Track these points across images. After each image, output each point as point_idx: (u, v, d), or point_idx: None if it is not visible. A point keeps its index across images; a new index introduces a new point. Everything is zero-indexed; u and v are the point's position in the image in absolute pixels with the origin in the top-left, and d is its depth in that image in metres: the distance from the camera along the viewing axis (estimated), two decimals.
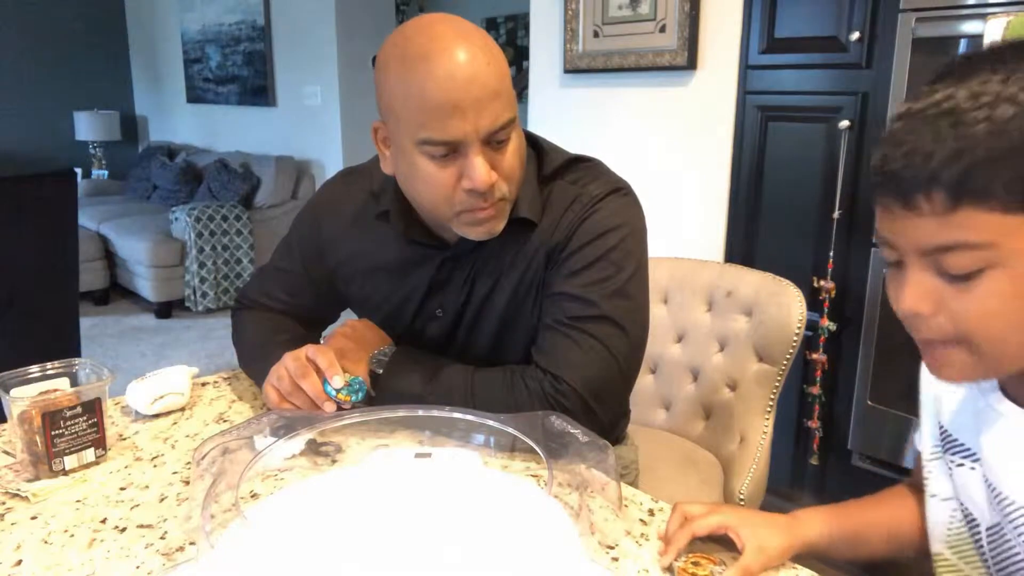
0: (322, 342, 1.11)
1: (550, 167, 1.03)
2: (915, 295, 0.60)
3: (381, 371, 1.01)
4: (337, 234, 1.14)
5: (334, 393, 0.96)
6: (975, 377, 0.66)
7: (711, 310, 1.54)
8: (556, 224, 1.01)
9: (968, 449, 0.74)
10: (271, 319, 1.18)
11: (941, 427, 0.78)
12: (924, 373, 0.80)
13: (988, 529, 0.71)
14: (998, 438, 0.69)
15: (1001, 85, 0.54)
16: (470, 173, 0.90)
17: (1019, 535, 0.67)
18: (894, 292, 0.64)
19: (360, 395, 0.97)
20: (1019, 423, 0.67)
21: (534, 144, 1.07)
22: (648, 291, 1.05)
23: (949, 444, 0.77)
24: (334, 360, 0.97)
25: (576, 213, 1.00)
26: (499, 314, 1.04)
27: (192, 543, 0.76)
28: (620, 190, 1.03)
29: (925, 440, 0.80)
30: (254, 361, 1.13)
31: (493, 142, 0.91)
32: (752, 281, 1.48)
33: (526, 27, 3.04)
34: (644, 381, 1.61)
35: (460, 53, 0.87)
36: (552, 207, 1.02)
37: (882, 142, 0.60)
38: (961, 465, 0.75)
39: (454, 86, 0.86)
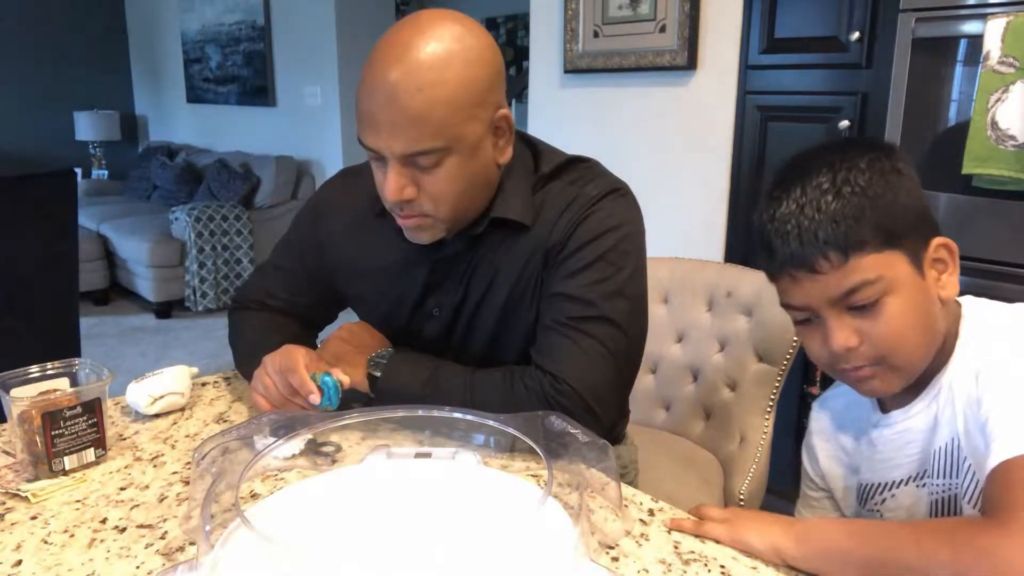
0: (319, 345, 1.11)
1: (547, 168, 1.03)
2: (843, 334, 0.77)
3: (379, 374, 1.01)
4: (336, 233, 1.14)
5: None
6: (897, 386, 0.80)
7: (711, 310, 1.54)
8: (554, 224, 1.01)
9: (883, 484, 0.89)
10: (268, 320, 1.18)
11: (860, 485, 0.91)
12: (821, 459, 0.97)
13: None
14: (886, 444, 0.86)
15: (833, 174, 0.76)
16: (380, 183, 0.94)
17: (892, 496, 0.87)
18: (817, 341, 0.80)
19: (335, 398, 0.98)
20: (897, 424, 0.85)
21: (530, 145, 1.07)
22: (647, 291, 1.05)
23: (866, 495, 0.90)
24: (305, 377, 0.97)
25: (574, 213, 1.00)
26: (496, 314, 1.04)
27: (192, 543, 0.76)
28: (618, 190, 1.03)
29: (851, 503, 0.94)
30: (250, 363, 1.13)
31: (418, 163, 0.91)
32: (752, 281, 1.48)
33: (526, 27, 3.04)
34: (644, 381, 1.61)
35: (393, 70, 0.86)
36: (550, 208, 1.02)
37: (765, 239, 0.79)
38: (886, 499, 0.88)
39: (374, 101, 0.88)
